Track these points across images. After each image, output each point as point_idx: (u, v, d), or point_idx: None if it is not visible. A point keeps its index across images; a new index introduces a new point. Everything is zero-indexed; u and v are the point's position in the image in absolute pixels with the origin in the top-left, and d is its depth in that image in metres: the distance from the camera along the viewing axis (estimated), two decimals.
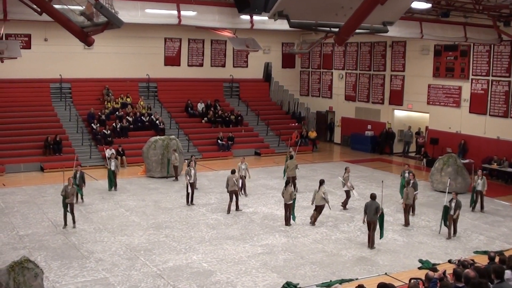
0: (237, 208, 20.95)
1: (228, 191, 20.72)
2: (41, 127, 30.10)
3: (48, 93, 32.94)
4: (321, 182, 19.33)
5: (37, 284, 12.23)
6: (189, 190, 21.57)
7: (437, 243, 17.77)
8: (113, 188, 23.70)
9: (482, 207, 21.63)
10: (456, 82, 30.53)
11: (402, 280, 13.85)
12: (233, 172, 21.01)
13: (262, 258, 16.08)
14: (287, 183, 19.73)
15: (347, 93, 37.72)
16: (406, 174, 21.56)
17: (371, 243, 17.17)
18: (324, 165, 29.46)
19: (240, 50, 31.51)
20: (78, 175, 21.49)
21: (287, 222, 19.29)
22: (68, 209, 18.46)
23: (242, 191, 22.64)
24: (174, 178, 25.95)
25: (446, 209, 18.18)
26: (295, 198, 19.35)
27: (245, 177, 23.25)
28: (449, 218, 18.17)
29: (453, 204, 18.08)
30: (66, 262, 15.44)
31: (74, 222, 18.59)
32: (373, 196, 17.27)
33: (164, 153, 26.35)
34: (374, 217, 17.04)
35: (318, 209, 19.31)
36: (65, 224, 18.50)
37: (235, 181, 20.72)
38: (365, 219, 17.31)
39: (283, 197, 19.35)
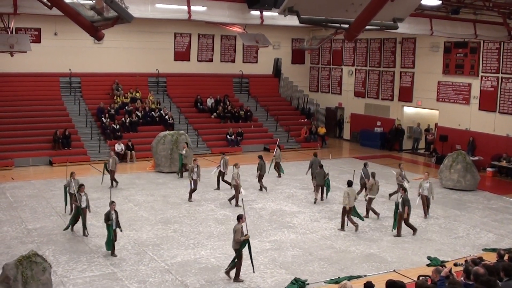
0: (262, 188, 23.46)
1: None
2: (50, 121, 30.19)
3: (58, 87, 33.03)
4: (321, 166, 22.05)
5: (45, 279, 12.30)
6: (192, 187, 21.87)
7: (445, 240, 17.72)
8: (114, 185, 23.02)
9: None
10: (466, 79, 30.37)
11: (410, 277, 13.80)
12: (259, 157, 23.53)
13: (270, 254, 16.10)
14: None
15: (357, 90, 37.63)
16: (402, 172, 22.04)
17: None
18: (333, 162, 29.33)
19: (250, 46, 31.43)
20: (73, 183, 18.23)
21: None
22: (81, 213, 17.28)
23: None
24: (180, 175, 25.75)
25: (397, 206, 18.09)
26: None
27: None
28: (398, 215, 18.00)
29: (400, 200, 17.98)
30: (74, 257, 15.51)
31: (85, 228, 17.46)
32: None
33: (173, 148, 26.38)
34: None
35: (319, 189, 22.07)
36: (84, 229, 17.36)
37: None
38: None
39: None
